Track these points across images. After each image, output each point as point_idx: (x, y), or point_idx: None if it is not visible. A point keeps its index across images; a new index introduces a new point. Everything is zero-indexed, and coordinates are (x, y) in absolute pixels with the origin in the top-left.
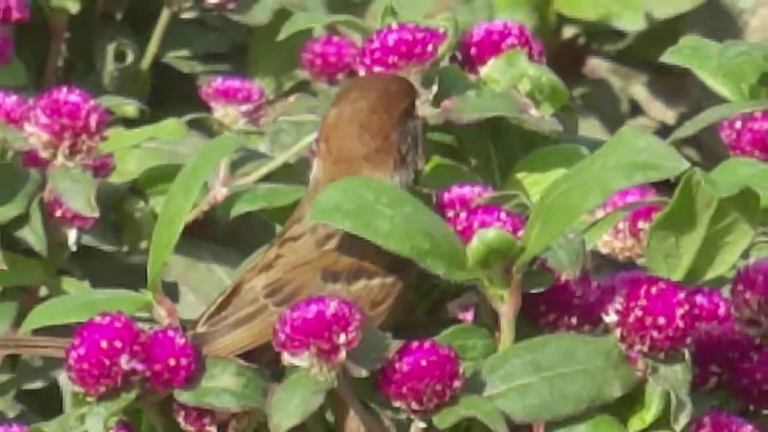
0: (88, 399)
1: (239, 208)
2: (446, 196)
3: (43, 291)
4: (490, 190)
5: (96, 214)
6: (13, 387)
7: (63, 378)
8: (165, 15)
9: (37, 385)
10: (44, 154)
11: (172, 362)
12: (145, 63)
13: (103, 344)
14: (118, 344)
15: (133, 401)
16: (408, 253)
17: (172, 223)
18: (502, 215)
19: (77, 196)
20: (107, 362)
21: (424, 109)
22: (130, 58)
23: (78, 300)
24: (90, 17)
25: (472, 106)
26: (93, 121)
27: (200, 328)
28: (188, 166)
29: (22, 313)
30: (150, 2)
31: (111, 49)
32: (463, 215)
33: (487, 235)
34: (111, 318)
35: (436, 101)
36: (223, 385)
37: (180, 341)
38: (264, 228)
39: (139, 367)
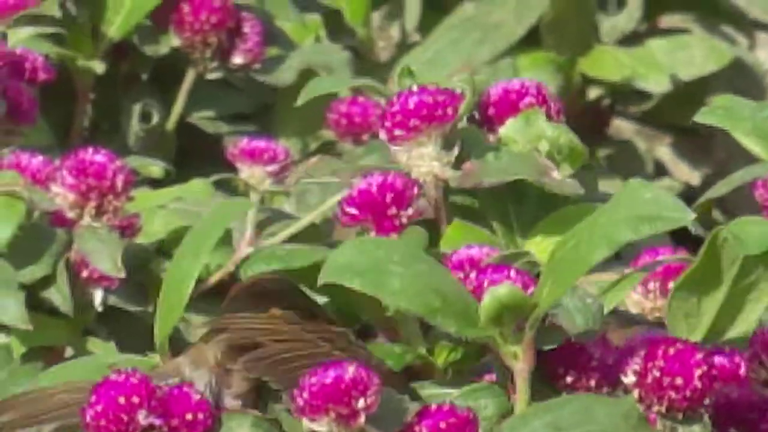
0: None
1: (256, 268)
2: (455, 257)
3: (69, 351)
4: (498, 251)
5: (122, 275)
6: None
7: None
8: (190, 75)
9: None
10: (71, 214)
11: (189, 417)
12: (171, 123)
13: (121, 400)
14: (135, 400)
15: None
16: (419, 310)
17: (181, 285)
18: (512, 273)
19: (104, 256)
20: (125, 418)
21: (445, 171)
22: (155, 118)
23: (89, 364)
24: (115, 78)
25: (493, 170)
26: (119, 181)
27: None
28: (197, 227)
29: None
30: (175, 63)
31: (136, 109)
32: (473, 275)
33: (499, 291)
34: (127, 374)
35: (457, 163)
36: None
37: (196, 396)
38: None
39: (157, 422)
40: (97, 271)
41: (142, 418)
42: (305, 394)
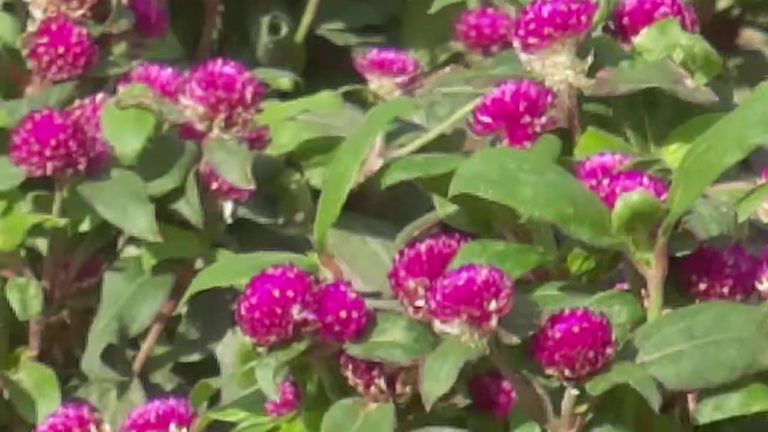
0: (258, 350)
1: (395, 177)
2: (588, 165)
3: (199, 264)
4: (631, 158)
5: (252, 187)
6: (170, 360)
7: (220, 350)
8: None
9: (194, 357)
10: (200, 126)
11: (343, 314)
12: (299, 35)
13: (276, 293)
14: (290, 294)
15: (302, 354)
16: (552, 218)
17: (339, 184)
18: (645, 180)
19: (233, 168)
20: (279, 311)
21: (579, 80)
22: (284, 30)
23: (244, 262)
24: None
25: (626, 77)
26: (248, 93)
27: None
28: (357, 128)
29: (179, 287)
30: None
31: (265, 21)
32: (605, 182)
33: (631, 198)
34: (283, 269)
35: (591, 72)
36: (393, 339)
37: (351, 295)
38: (416, 201)
39: (311, 317)
40: (227, 183)
41: (296, 312)
42: (438, 296)
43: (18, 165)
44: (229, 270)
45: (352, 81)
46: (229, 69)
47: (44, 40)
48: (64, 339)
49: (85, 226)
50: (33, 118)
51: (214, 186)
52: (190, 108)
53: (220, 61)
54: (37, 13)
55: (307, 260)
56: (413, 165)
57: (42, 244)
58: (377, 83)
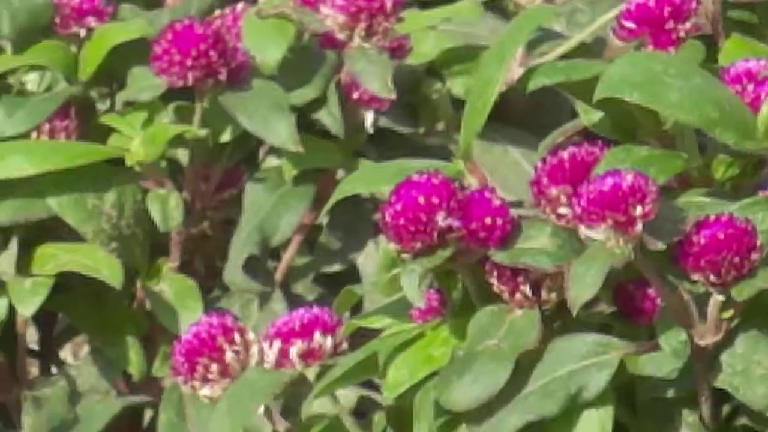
0: (403, 257)
1: (537, 82)
2: (732, 70)
3: (341, 174)
4: None
5: (393, 96)
6: (311, 270)
7: (362, 261)
8: None
9: (336, 268)
10: (340, 35)
11: (488, 221)
12: None
13: (421, 200)
14: (435, 200)
15: (447, 260)
16: (697, 122)
17: (484, 92)
18: None
19: (374, 77)
20: (424, 218)
21: None
22: None
23: (390, 168)
24: None
25: None
26: (389, 2)
27: None
28: (501, 37)
29: (320, 197)
30: None
31: None
32: (750, 87)
33: None
34: (428, 176)
35: None
36: (538, 246)
37: (496, 201)
38: (558, 110)
39: (456, 224)
40: (368, 93)
41: (441, 219)
42: (582, 202)
43: (159, 75)
44: (372, 177)
45: None
46: None
47: None
48: (205, 250)
49: (225, 137)
50: (174, 28)
51: (355, 95)
52: (330, 17)
53: None
54: None
55: (452, 167)
56: (556, 70)
57: (183, 155)
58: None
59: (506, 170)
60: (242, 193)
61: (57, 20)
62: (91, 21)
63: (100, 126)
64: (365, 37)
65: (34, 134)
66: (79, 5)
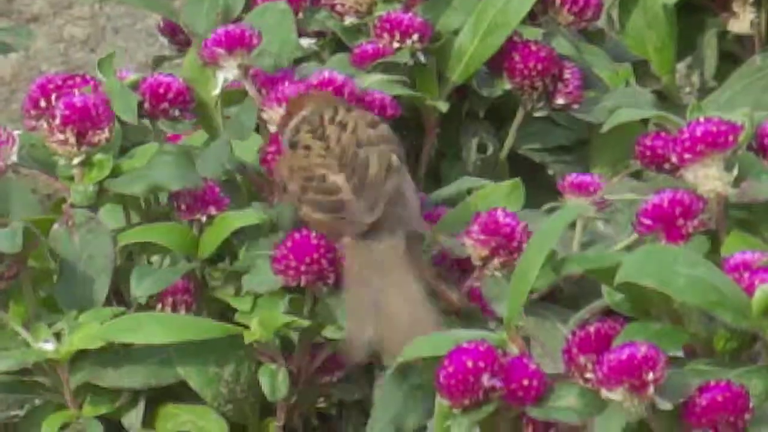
0: (454, 411)
1: (569, 268)
2: (732, 261)
3: None
4: None
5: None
6: None
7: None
8: (520, 113)
9: None
10: (477, 263)
11: (525, 382)
12: (503, 154)
13: (469, 364)
14: (481, 364)
15: (490, 414)
16: (701, 304)
17: (527, 274)
18: None
19: (503, 303)
20: (472, 379)
21: (726, 189)
22: (490, 149)
23: (449, 338)
24: (457, 115)
25: (766, 188)
26: (524, 240)
27: None
28: (542, 228)
29: None
30: (507, 102)
31: (474, 142)
32: (746, 275)
33: None
34: (476, 343)
35: (736, 183)
36: (567, 404)
37: (532, 366)
38: (598, 293)
39: (498, 384)
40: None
41: (486, 380)
42: (604, 368)
43: (277, 275)
44: (435, 344)
45: (547, 193)
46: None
47: (272, 149)
48: (302, 410)
49: (328, 332)
50: (293, 237)
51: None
52: (471, 247)
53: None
54: (271, 128)
55: (497, 337)
56: (586, 260)
57: (295, 335)
58: (574, 201)
59: (555, 343)
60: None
61: (183, 207)
62: (212, 209)
63: (215, 298)
64: (499, 268)
65: (159, 306)
66: (202, 195)
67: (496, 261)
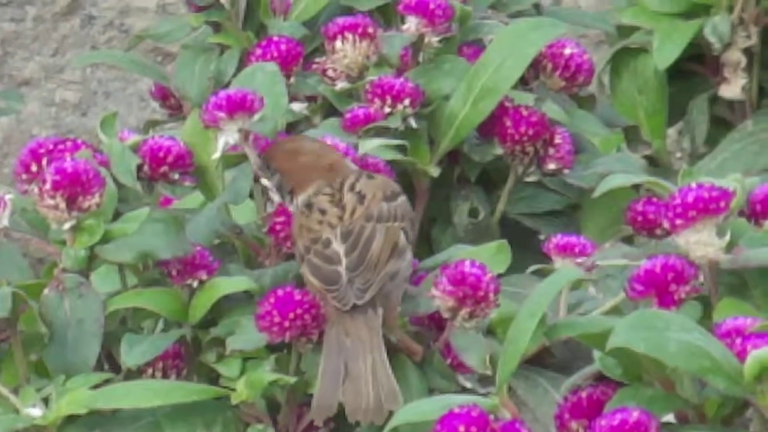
0: None
1: (559, 333)
2: (724, 326)
3: None
4: (760, 321)
5: (489, 372)
6: None
7: None
8: (511, 178)
9: None
10: (446, 315)
11: None
12: (495, 219)
13: (461, 429)
14: (473, 429)
15: None
16: (693, 370)
17: (519, 339)
18: None
19: (474, 355)
20: None
21: (717, 255)
22: (481, 214)
23: (438, 402)
24: (449, 179)
25: (758, 255)
26: (492, 292)
27: None
28: (534, 294)
29: None
30: (498, 167)
31: (466, 206)
32: (738, 341)
33: (760, 354)
34: (468, 408)
35: (727, 249)
36: None
37: (524, 430)
38: (590, 356)
39: None
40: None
41: None
42: None
43: (261, 332)
44: (422, 410)
45: (538, 258)
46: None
47: (281, 219)
48: None
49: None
50: (276, 293)
51: (450, 361)
52: (439, 299)
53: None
54: (276, 198)
55: (489, 402)
56: (576, 325)
57: (281, 394)
58: (561, 263)
59: (547, 407)
60: None
61: (173, 272)
62: (203, 274)
63: (204, 364)
64: (468, 319)
65: (149, 370)
66: (192, 260)
67: (464, 311)
